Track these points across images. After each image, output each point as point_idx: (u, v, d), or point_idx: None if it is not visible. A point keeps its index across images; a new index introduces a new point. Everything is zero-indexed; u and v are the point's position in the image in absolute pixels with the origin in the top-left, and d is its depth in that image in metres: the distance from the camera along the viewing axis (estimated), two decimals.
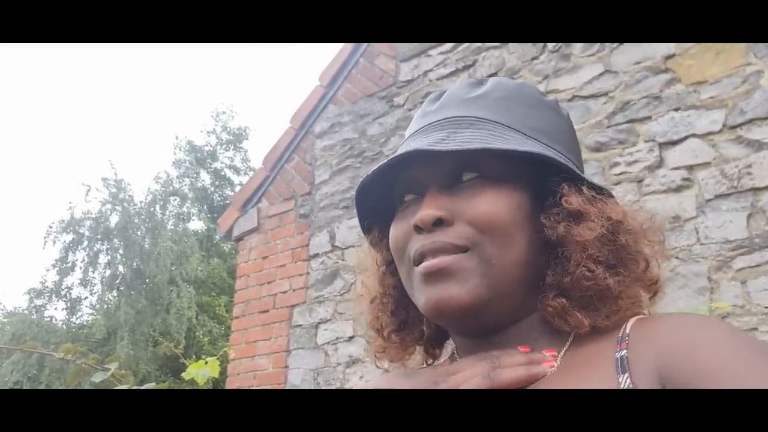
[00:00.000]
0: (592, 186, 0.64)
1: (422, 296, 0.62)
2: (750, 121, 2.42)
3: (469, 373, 0.59)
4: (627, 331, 0.58)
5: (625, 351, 0.55)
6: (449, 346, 0.73)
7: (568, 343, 0.62)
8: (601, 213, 0.61)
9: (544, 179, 0.64)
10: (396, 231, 0.66)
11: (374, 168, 0.64)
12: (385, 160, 0.63)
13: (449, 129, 0.65)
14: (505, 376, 0.58)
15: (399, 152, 0.63)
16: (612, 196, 0.65)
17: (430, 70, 3.60)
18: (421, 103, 3.44)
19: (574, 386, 0.55)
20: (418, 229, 0.62)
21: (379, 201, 0.71)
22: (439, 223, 0.61)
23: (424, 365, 0.74)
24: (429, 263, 0.60)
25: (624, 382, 0.52)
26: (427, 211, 0.61)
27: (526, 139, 0.64)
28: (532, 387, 0.58)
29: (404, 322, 0.72)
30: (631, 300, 0.62)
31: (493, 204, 0.61)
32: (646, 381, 0.51)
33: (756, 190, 2.34)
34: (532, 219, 0.63)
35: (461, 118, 0.66)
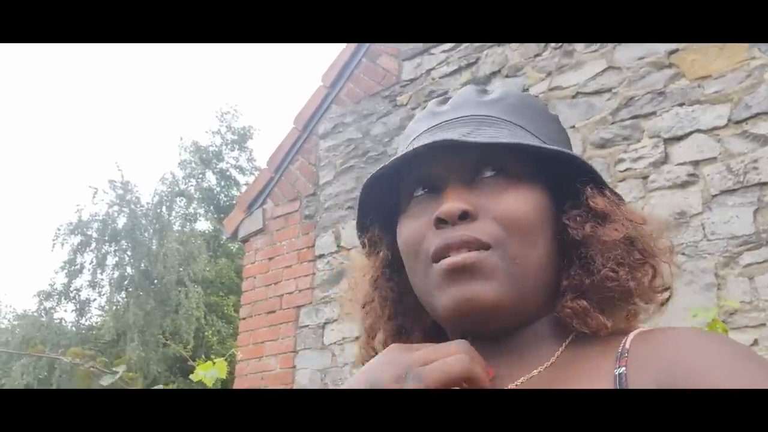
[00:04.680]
0: (612, 191, 0.64)
1: (443, 295, 0.59)
2: (755, 116, 2.40)
3: (432, 351, 0.55)
4: (627, 346, 0.57)
5: (624, 368, 0.54)
6: None
7: (560, 349, 0.61)
8: (624, 215, 0.62)
9: (562, 181, 0.64)
10: (409, 227, 0.64)
11: (392, 159, 0.62)
12: (408, 149, 0.61)
13: (472, 125, 0.64)
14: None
15: (424, 142, 0.60)
16: (625, 203, 0.65)
17: (433, 68, 3.59)
18: (425, 101, 3.41)
19: None
20: (440, 223, 0.60)
21: (380, 198, 0.69)
22: (464, 217, 0.59)
23: None
24: (452, 260, 0.58)
25: None
26: (453, 204, 0.59)
27: (543, 143, 0.64)
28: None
29: (402, 328, 0.70)
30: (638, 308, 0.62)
31: (519, 202, 0.61)
32: None
33: (762, 184, 2.32)
34: (552, 221, 0.63)
35: (483, 116, 0.65)
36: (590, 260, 0.60)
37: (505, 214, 0.60)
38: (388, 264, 0.71)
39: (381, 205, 0.70)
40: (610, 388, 0.53)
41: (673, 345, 0.53)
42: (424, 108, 0.73)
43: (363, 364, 0.70)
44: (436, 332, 0.70)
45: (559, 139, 0.69)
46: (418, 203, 0.65)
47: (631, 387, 0.52)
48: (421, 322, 0.70)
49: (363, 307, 0.72)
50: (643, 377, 0.52)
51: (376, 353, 0.70)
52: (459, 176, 0.63)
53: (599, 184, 0.64)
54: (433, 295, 0.61)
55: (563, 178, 0.64)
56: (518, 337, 0.63)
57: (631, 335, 0.58)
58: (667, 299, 0.65)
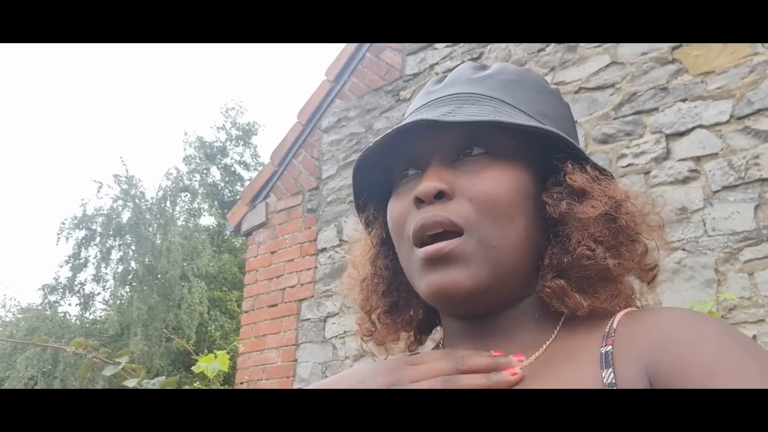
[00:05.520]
0: (596, 167, 0.63)
1: (423, 281, 0.60)
2: (758, 112, 2.39)
3: (428, 368, 0.57)
4: (614, 325, 0.57)
5: (610, 346, 0.54)
6: (438, 332, 0.72)
7: (555, 333, 0.61)
8: (604, 192, 0.60)
9: (546, 159, 0.63)
10: (395, 206, 0.64)
11: (376, 139, 0.62)
12: (389, 131, 0.61)
13: (456, 104, 0.63)
14: (464, 383, 0.55)
15: (403, 123, 0.61)
16: (613, 178, 0.64)
17: (437, 63, 3.60)
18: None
19: (556, 380, 0.54)
20: (418, 202, 0.60)
21: (377, 179, 0.69)
22: (440, 197, 0.59)
23: (407, 353, 0.72)
24: (429, 248, 0.58)
25: (607, 377, 0.51)
26: (429, 183, 0.59)
27: (531, 119, 0.63)
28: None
29: (395, 304, 0.71)
30: (628, 288, 0.62)
31: (496, 182, 0.60)
32: (630, 376, 0.50)
33: (764, 181, 2.32)
34: (533, 199, 0.62)
35: (468, 94, 0.65)
36: (567, 238, 0.60)
37: (481, 195, 0.59)
38: (383, 242, 0.72)
39: (378, 184, 0.70)
40: (595, 366, 0.53)
41: (660, 322, 0.53)
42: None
43: (363, 339, 0.72)
44: (426, 311, 0.71)
45: (556, 115, 0.68)
46: (405, 183, 0.65)
47: (616, 364, 0.52)
48: (415, 298, 0.70)
49: (360, 284, 0.73)
50: (629, 355, 0.52)
51: (376, 327, 0.71)
52: (442, 155, 0.63)
53: (581, 161, 0.63)
54: (415, 278, 0.62)
55: (547, 156, 0.63)
56: (505, 317, 0.63)
57: (619, 315, 0.58)
58: (654, 276, 0.64)
